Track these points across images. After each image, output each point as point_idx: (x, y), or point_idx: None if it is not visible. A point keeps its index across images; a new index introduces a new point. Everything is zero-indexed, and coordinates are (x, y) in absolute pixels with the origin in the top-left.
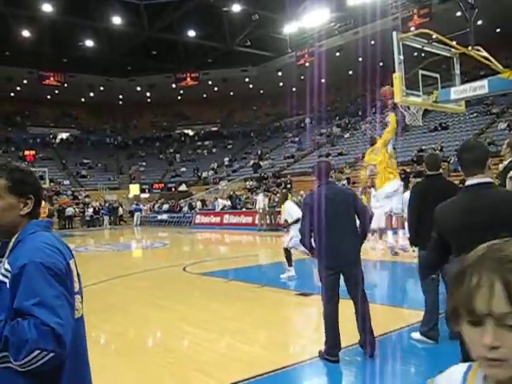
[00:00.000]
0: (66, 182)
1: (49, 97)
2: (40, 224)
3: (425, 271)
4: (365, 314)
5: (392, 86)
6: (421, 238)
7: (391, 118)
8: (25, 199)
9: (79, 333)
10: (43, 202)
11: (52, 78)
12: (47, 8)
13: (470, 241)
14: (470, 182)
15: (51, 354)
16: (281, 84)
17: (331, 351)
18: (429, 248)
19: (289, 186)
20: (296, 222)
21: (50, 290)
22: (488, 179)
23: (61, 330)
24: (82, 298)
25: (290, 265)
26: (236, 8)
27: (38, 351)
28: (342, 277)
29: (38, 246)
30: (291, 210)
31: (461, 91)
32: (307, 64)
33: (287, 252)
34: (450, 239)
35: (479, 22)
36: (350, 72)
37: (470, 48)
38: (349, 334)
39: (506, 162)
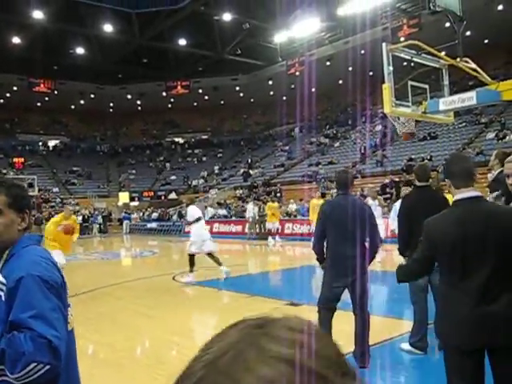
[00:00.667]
0: (56, 190)
1: (39, 104)
2: (32, 238)
3: (403, 278)
4: (365, 327)
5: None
6: (411, 248)
7: None
8: (23, 214)
9: (71, 345)
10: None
11: (42, 85)
12: (38, 15)
13: (464, 253)
14: (461, 195)
15: (47, 367)
16: (271, 93)
17: None
18: (413, 259)
19: (278, 194)
20: (193, 222)
21: (46, 303)
22: (479, 193)
23: (57, 343)
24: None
25: (191, 270)
26: (227, 17)
27: (35, 364)
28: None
29: (34, 259)
30: (192, 213)
31: (449, 102)
32: (297, 73)
33: (191, 257)
34: (440, 252)
35: (468, 33)
36: (340, 81)
37: (458, 59)
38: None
39: (495, 173)
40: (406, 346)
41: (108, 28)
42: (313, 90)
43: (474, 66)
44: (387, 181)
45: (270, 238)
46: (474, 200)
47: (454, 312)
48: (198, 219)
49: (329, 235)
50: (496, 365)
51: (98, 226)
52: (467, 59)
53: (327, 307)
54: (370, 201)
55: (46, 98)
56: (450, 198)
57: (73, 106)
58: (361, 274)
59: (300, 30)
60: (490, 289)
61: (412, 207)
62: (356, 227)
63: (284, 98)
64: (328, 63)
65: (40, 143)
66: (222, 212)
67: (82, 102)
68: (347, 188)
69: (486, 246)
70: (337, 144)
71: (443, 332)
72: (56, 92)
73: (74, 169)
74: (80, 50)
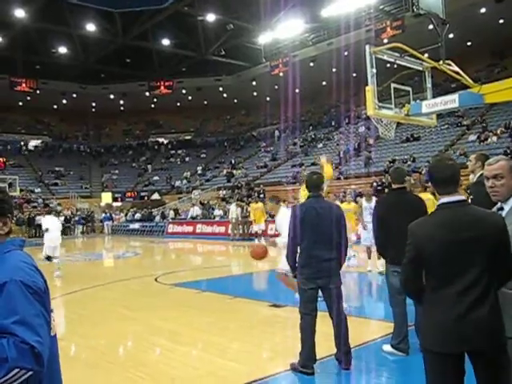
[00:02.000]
0: (37, 190)
1: (20, 103)
2: (15, 243)
3: (408, 290)
4: (343, 329)
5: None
6: (387, 251)
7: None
8: (4, 219)
9: (53, 350)
10: None
11: (24, 85)
12: (20, 13)
13: (446, 257)
14: (445, 199)
15: (30, 373)
16: (255, 93)
17: (307, 363)
18: (402, 264)
19: (262, 195)
20: (46, 231)
21: (30, 309)
22: (463, 197)
23: (40, 348)
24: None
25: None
26: (211, 17)
27: (18, 369)
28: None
29: (17, 264)
30: (45, 223)
31: (432, 105)
32: (281, 74)
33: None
34: (423, 255)
35: (450, 36)
36: (324, 82)
37: (441, 62)
38: (320, 346)
39: (477, 175)
40: (387, 347)
41: (91, 27)
42: (296, 90)
43: (456, 68)
44: (374, 184)
45: (256, 240)
46: (459, 204)
47: (435, 317)
48: (47, 229)
49: (302, 238)
50: (478, 370)
51: (81, 226)
52: (450, 62)
53: (308, 311)
54: (364, 203)
55: (28, 98)
56: (424, 197)
57: (55, 106)
58: (334, 276)
59: (284, 31)
60: (472, 295)
61: (387, 209)
62: (330, 229)
63: (268, 98)
64: (311, 64)
65: (22, 143)
66: (219, 213)
67: (64, 101)
68: (319, 190)
69: (470, 250)
70: (320, 145)
71: (424, 336)
72: (38, 91)
73: (56, 169)
74: (62, 50)
